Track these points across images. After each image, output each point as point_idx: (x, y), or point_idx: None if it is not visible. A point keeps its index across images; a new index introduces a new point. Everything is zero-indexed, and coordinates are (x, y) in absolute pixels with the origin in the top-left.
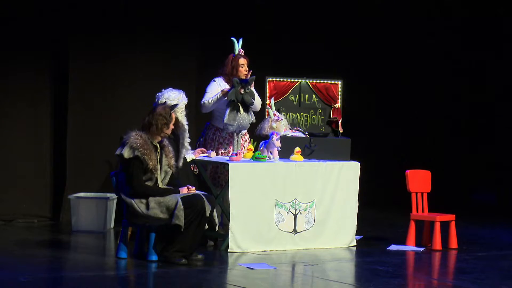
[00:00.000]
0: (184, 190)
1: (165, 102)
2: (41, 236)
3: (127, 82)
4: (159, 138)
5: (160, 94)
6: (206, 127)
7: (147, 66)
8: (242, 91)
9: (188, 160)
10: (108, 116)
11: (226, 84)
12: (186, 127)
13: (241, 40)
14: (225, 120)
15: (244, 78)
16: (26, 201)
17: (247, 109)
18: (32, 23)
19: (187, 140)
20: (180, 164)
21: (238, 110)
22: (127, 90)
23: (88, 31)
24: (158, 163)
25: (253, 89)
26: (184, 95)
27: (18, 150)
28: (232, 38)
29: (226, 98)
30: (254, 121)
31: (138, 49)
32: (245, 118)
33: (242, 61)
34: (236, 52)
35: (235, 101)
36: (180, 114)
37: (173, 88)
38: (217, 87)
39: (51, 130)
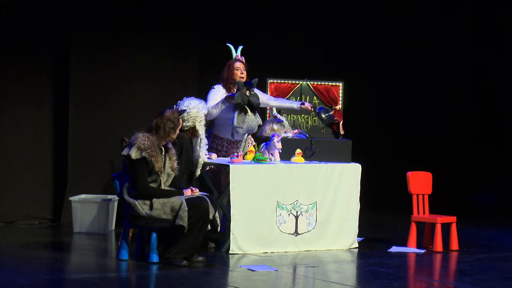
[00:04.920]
0: (188, 192)
1: (184, 110)
2: (42, 238)
3: (128, 83)
4: (165, 142)
5: (181, 102)
6: (208, 134)
7: (148, 67)
8: (247, 93)
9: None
10: (109, 117)
11: (224, 89)
12: (205, 139)
13: (240, 48)
14: (235, 123)
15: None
16: (27, 203)
17: (253, 111)
18: (32, 23)
19: (204, 150)
20: (198, 173)
21: (246, 113)
22: (128, 91)
23: (89, 32)
24: (163, 165)
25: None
26: (204, 105)
27: (19, 152)
28: (228, 44)
29: (230, 103)
30: (261, 123)
31: (139, 50)
32: (253, 120)
33: (238, 65)
34: (234, 58)
35: (241, 104)
36: (199, 123)
37: (195, 98)
38: (217, 93)
39: (52, 131)
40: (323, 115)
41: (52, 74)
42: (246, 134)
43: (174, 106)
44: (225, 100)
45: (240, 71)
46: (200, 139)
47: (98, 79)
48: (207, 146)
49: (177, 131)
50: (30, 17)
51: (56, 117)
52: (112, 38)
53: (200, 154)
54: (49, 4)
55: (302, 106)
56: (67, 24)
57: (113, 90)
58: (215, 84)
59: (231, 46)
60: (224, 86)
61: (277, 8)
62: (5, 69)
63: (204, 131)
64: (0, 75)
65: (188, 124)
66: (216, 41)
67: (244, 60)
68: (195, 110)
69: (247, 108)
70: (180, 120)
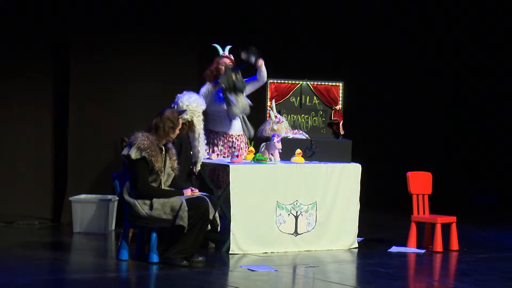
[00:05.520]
0: (188, 192)
1: (185, 110)
2: (42, 238)
3: (128, 83)
4: (164, 141)
5: (180, 95)
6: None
7: (148, 67)
8: (233, 77)
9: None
10: (109, 117)
11: (212, 88)
12: (202, 132)
13: (228, 47)
14: (229, 104)
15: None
16: (27, 203)
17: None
18: (32, 23)
19: (203, 145)
20: (198, 168)
21: (235, 93)
22: (128, 91)
23: (89, 32)
24: (163, 165)
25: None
26: (203, 101)
27: (19, 152)
28: (215, 45)
29: (216, 90)
30: (251, 104)
31: (139, 50)
32: (244, 100)
33: (224, 60)
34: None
35: (228, 87)
36: (197, 118)
37: (194, 93)
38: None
39: (52, 131)
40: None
41: (52, 74)
42: (242, 115)
43: (174, 106)
44: (213, 87)
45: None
46: (199, 133)
47: (98, 79)
48: (206, 141)
49: (177, 131)
50: (30, 17)
51: (56, 117)
52: (112, 38)
53: (199, 149)
54: (49, 4)
55: (260, 66)
56: (67, 24)
57: (113, 90)
58: (205, 83)
59: (218, 46)
60: (212, 83)
61: (277, 8)
62: (5, 69)
63: (202, 126)
64: (0, 75)
65: (186, 117)
66: (216, 41)
67: (232, 57)
68: (195, 104)
69: (234, 91)
70: (180, 120)
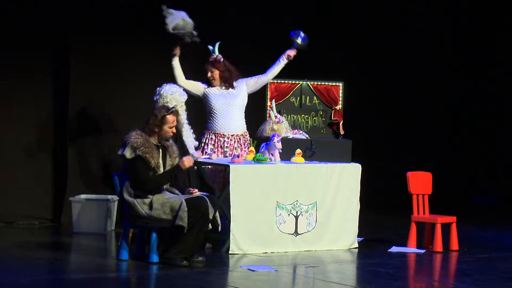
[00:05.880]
0: (185, 161)
1: (174, 106)
2: (42, 238)
3: (128, 83)
4: (156, 138)
5: (160, 88)
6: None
7: (148, 67)
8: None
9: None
10: (109, 118)
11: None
12: (186, 122)
13: (217, 44)
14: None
15: (210, 82)
16: (27, 203)
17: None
18: (32, 23)
19: (189, 133)
20: (199, 154)
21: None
22: (127, 91)
23: (89, 32)
24: (161, 161)
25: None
26: (183, 91)
27: (19, 152)
28: (209, 46)
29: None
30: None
31: (138, 49)
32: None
33: (209, 68)
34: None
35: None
36: (180, 108)
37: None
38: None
39: (52, 131)
40: (298, 41)
41: (52, 74)
42: (184, 35)
43: (156, 98)
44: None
45: (209, 74)
46: (183, 123)
47: (98, 79)
48: (192, 131)
49: (165, 128)
50: (30, 16)
51: (56, 117)
52: (112, 38)
53: (189, 138)
54: (48, 4)
55: (288, 57)
56: (67, 24)
57: (113, 90)
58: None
59: (211, 47)
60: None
61: (277, 8)
62: (5, 69)
63: (185, 116)
64: (0, 75)
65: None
66: (216, 41)
67: (217, 59)
68: (177, 94)
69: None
70: (169, 117)
